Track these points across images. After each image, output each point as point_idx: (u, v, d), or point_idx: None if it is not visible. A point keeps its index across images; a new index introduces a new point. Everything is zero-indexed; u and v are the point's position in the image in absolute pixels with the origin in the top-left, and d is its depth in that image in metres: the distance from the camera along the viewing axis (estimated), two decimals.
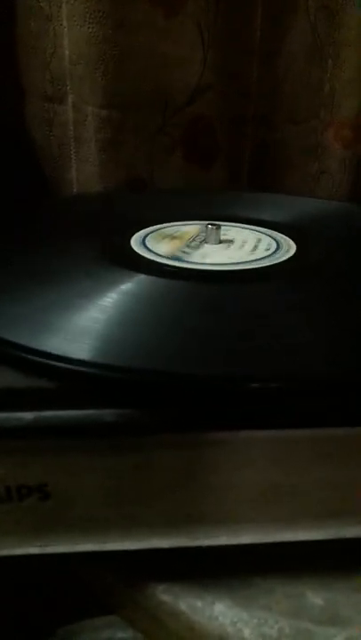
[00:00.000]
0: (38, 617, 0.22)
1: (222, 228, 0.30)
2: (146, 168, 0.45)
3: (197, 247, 0.29)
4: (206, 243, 0.30)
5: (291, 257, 0.28)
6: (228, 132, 0.46)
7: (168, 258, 0.27)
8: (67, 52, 0.42)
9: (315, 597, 0.21)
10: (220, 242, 0.30)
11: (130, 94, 0.42)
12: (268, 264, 0.27)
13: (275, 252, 0.28)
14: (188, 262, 0.27)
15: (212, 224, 0.30)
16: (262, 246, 0.29)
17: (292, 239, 0.30)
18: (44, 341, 0.20)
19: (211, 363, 0.20)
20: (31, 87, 0.44)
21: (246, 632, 0.20)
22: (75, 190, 0.46)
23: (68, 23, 0.41)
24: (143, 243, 0.29)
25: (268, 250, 0.28)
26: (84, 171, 0.45)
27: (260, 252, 0.28)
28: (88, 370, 0.19)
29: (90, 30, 0.41)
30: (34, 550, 0.20)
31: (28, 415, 0.18)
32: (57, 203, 0.42)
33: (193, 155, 0.46)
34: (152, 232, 0.31)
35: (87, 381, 0.19)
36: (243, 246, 0.29)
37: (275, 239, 0.30)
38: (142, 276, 0.25)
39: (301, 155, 0.47)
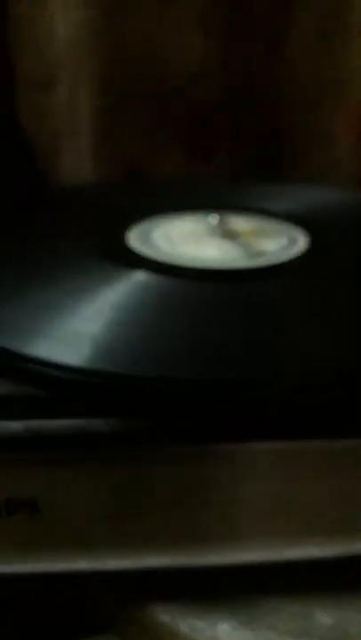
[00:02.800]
0: (32, 635, 0.21)
1: (228, 219, 0.28)
2: (143, 159, 0.44)
3: (200, 241, 0.28)
4: (210, 236, 0.28)
5: (303, 252, 0.26)
6: (230, 122, 0.45)
7: (169, 254, 0.26)
8: (60, 39, 0.41)
9: (323, 616, 0.20)
10: (226, 235, 0.28)
11: (126, 82, 0.41)
12: (278, 260, 0.25)
13: (285, 247, 0.26)
14: (190, 258, 0.25)
15: (217, 215, 0.28)
16: (272, 240, 0.27)
17: (305, 232, 0.28)
18: (30, 346, 0.19)
19: (214, 368, 0.19)
20: (23, 75, 0.43)
21: None
22: (68, 182, 0.44)
23: (62, 9, 0.40)
24: (143, 237, 0.27)
25: (278, 244, 0.27)
26: (78, 162, 0.44)
27: (270, 247, 0.26)
28: (81, 377, 0.18)
29: (85, 17, 0.40)
30: (24, 569, 0.19)
31: (17, 425, 0.17)
32: (48, 195, 0.41)
33: (193, 146, 0.45)
34: (151, 225, 0.29)
35: (80, 389, 0.18)
36: (250, 240, 0.28)
37: (286, 232, 0.28)
38: (140, 275, 0.23)
39: (309, 143, 0.45)
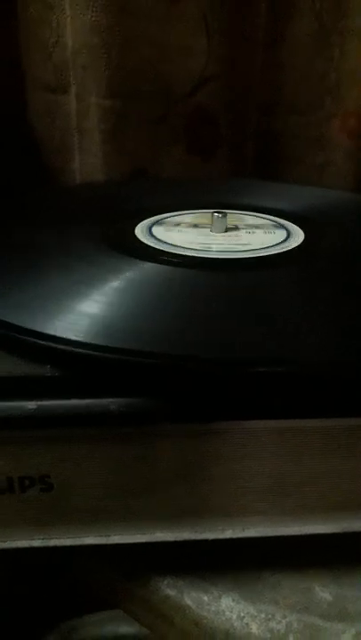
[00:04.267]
0: (42, 611, 0.22)
1: (229, 215, 0.29)
2: (148, 158, 0.44)
3: (204, 235, 0.29)
4: (212, 231, 0.29)
5: (299, 245, 0.27)
6: (231, 123, 0.45)
7: (175, 245, 0.27)
8: (69, 42, 0.42)
9: (323, 592, 0.21)
10: (227, 230, 0.29)
11: (133, 84, 0.42)
12: (275, 252, 0.26)
13: (282, 241, 0.27)
14: (194, 250, 0.26)
15: (218, 212, 0.29)
16: (270, 234, 0.28)
17: (301, 228, 0.29)
18: (46, 325, 0.19)
19: (216, 348, 0.19)
20: (33, 77, 0.44)
21: (254, 627, 0.20)
22: (77, 181, 0.45)
23: (70, 12, 0.41)
24: (149, 231, 0.28)
25: (275, 238, 0.28)
26: (86, 161, 0.45)
27: (268, 240, 0.28)
28: (90, 352, 0.18)
29: (93, 19, 0.40)
30: (36, 543, 0.20)
31: (30, 404, 0.18)
32: (60, 191, 0.41)
33: (195, 145, 0.45)
34: (157, 220, 0.30)
35: (90, 366, 0.18)
36: (249, 234, 0.29)
37: (283, 227, 0.29)
38: (147, 263, 0.24)
39: (306, 145, 0.46)
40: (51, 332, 0.19)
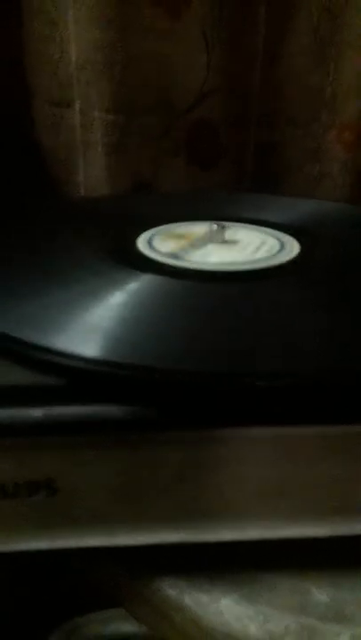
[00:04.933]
0: (45, 609, 0.22)
1: (227, 228, 0.30)
2: (151, 171, 0.45)
3: (202, 247, 0.29)
4: (211, 242, 0.30)
5: (294, 257, 0.28)
6: (231, 135, 0.46)
7: (174, 258, 0.27)
8: (73, 57, 0.42)
9: (320, 594, 0.21)
10: (225, 242, 0.30)
11: (135, 98, 0.43)
12: (272, 264, 0.27)
13: (278, 253, 0.28)
14: (193, 262, 0.27)
15: (216, 224, 0.30)
16: (266, 246, 0.29)
17: (296, 240, 0.30)
18: (50, 339, 0.20)
19: (215, 360, 0.20)
20: (38, 92, 0.45)
21: (252, 628, 0.20)
22: (82, 193, 0.46)
23: (74, 28, 0.42)
24: (149, 243, 0.29)
25: (272, 250, 0.29)
26: (91, 174, 0.45)
27: (265, 253, 0.28)
28: (95, 367, 0.19)
29: (96, 35, 0.41)
30: (42, 546, 0.20)
31: (36, 412, 0.18)
32: (64, 204, 0.42)
33: (196, 158, 0.46)
34: (158, 232, 0.31)
35: (94, 378, 0.19)
36: (247, 246, 0.29)
37: (279, 239, 0.30)
38: (149, 275, 0.25)
39: (303, 157, 0.47)
40: (54, 346, 0.19)
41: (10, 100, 0.44)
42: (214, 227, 0.30)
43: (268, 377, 0.19)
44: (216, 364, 0.20)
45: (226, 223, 0.30)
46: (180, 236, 0.31)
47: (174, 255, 0.28)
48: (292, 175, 0.47)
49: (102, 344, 0.20)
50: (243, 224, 0.33)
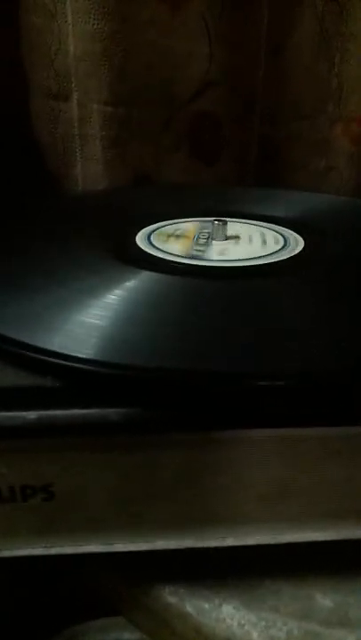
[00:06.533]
0: (44, 617, 0.22)
1: (229, 223, 0.30)
2: (151, 165, 0.44)
3: (204, 243, 0.29)
4: (213, 239, 0.29)
5: (298, 253, 0.27)
6: (233, 128, 0.45)
7: (174, 255, 0.27)
8: (71, 49, 0.42)
9: (324, 599, 0.21)
10: (227, 238, 0.29)
11: (135, 91, 0.42)
12: (275, 260, 0.26)
13: (282, 248, 0.28)
14: (192, 258, 0.27)
15: (218, 220, 0.29)
16: (270, 242, 0.29)
17: (300, 235, 0.29)
18: (47, 339, 0.19)
19: (218, 360, 0.19)
20: (36, 84, 0.44)
21: (254, 634, 0.20)
22: (80, 188, 0.45)
23: (72, 19, 0.41)
24: (148, 239, 0.29)
25: (275, 246, 0.28)
26: (89, 168, 0.45)
27: (268, 248, 0.28)
28: (92, 368, 0.18)
29: (94, 27, 0.40)
30: (38, 551, 0.20)
31: (31, 414, 0.18)
32: (61, 200, 0.42)
33: (198, 151, 0.46)
34: (157, 228, 0.30)
35: (91, 379, 0.19)
36: (250, 242, 0.29)
37: (282, 235, 0.29)
38: (147, 273, 0.24)
39: (309, 150, 0.46)
40: (50, 347, 0.19)
41: (6, 92, 0.44)
42: (215, 223, 0.29)
43: (271, 377, 0.18)
44: (217, 364, 0.19)
45: (228, 219, 0.30)
46: (180, 233, 0.30)
47: (174, 252, 0.27)
48: (298, 169, 0.47)
49: (99, 344, 0.20)
50: (245, 219, 0.32)
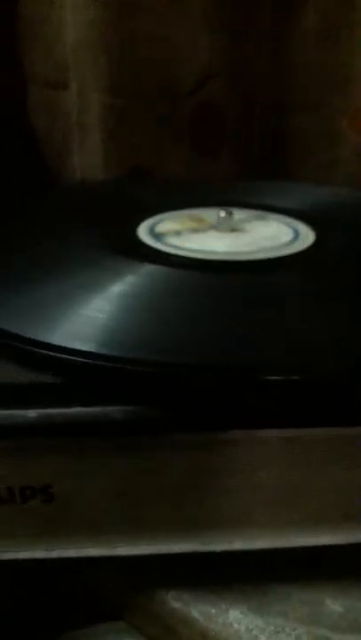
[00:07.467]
0: (44, 621, 0.22)
1: (235, 215, 0.29)
2: (151, 157, 0.44)
3: (209, 235, 0.28)
4: (218, 230, 0.28)
5: (309, 246, 0.26)
6: (237, 120, 0.45)
7: (179, 247, 0.26)
8: (70, 38, 0.41)
9: (333, 604, 0.20)
10: (234, 230, 0.28)
11: (134, 81, 0.42)
12: (284, 253, 0.26)
13: (292, 242, 0.27)
14: (199, 251, 0.26)
15: (224, 211, 0.28)
16: (278, 235, 0.28)
17: (311, 228, 0.28)
18: (47, 333, 0.19)
19: (224, 356, 0.19)
20: (33, 74, 0.44)
21: (262, 639, 0.19)
22: (78, 179, 0.45)
23: (71, 8, 0.40)
24: (151, 232, 0.28)
25: (284, 239, 0.27)
26: (87, 160, 0.44)
27: (277, 241, 0.27)
28: (94, 362, 0.18)
29: (93, 15, 0.40)
30: (38, 554, 0.19)
31: (31, 413, 0.17)
32: (59, 191, 0.41)
33: (200, 144, 0.45)
34: (160, 220, 0.29)
35: (93, 374, 0.18)
36: (258, 235, 0.28)
37: (292, 228, 0.28)
38: (151, 266, 0.24)
39: (314, 143, 0.45)
40: (52, 340, 0.18)
41: (3, 82, 0.43)
42: (222, 214, 0.28)
43: (281, 372, 0.18)
44: (226, 360, 0.18)
45: (234, 210, 0.29)
46: (184, 224, 0.29)
47: (178, 244, 0.26)
48: (304, 162, 0.46)
49: (101, 338, 0.19)
50: (253, 211, 0.31)
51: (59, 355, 0.18)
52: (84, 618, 0.21)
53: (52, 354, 0.18)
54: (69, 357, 0.18)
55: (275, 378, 0.18)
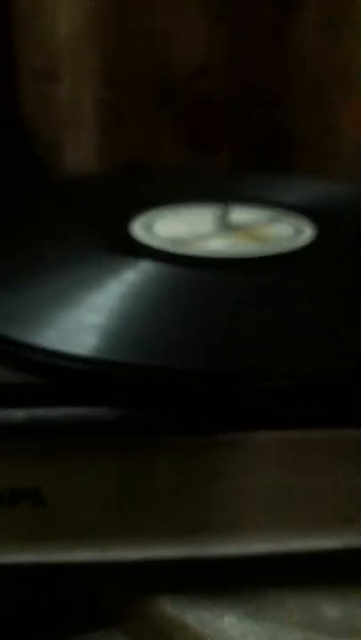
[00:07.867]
0: (36, 629, 0.21)
1: (233, 210, 0.28)
2: (146, 152, 0.43)
3: (207, 231, 0.27)
4: (216, 227, 0.28)
5: (310, 241, 0.26)
6: (234, 114, 0.44)
7: (175, 243, 0.25)
8: (64, 29, 0.41)
9: (331, 609, 0.20)
10: (231, 226, 0.28)
11: (130, 74, 0.41)
12: (287, 249, 0.25)
13: (293, 237, 0.26)
14: (197, 248, 0.25)
15: (222, 206, 0.28)
16: (279, 231, 0.27)
17: (312, 224, 0.28)
18: (37, 336, 0.18)
19: (219, 358, 0.18)
20: (26, 66, 0.43)
21: None
22: (71, 173, 0.44)
23: (65, 1, 0.40)
24: (146, 228, 0.27)
25: (284, 233, 0.26)
26: (81, 154, 0.44)
27: (277, 236, 0.26)
28: (85, 367, 0.17)
29: (87, 8, 0.39)
30: (28, 559, 0.19)
31: (19, 412, 0.17)
32: (52, 186, 0.40)
33: (197, 138, 0.44)
34: (157, 215, 0.29)
35: (83, 378, 0.18)
36: (258, 231, 0.27)
37: (292, 222, 0.28)
38: (145, 265, 0.23)
39: (314, 138, 0.45)
40: (43, 344, 0.18)
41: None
42: (221, 209, 0.28)
43: (279, 376, 0.17)
44: (221, 362, 0.18)
45: (232, 204, 0.28)
46: (181, 220, 0.29)
47: (175, 241, 0.26)
48: (302, 157, 0.46)
49: (93, 341, 0.18)
50: (249, 205, 0.30)
51: (45, 359, 0.17)
52: (77, 625, 0.21)
53: (39, 357, 0.18)
54: (61, 362, 0.17)
55: (273, 378, 0.17)
